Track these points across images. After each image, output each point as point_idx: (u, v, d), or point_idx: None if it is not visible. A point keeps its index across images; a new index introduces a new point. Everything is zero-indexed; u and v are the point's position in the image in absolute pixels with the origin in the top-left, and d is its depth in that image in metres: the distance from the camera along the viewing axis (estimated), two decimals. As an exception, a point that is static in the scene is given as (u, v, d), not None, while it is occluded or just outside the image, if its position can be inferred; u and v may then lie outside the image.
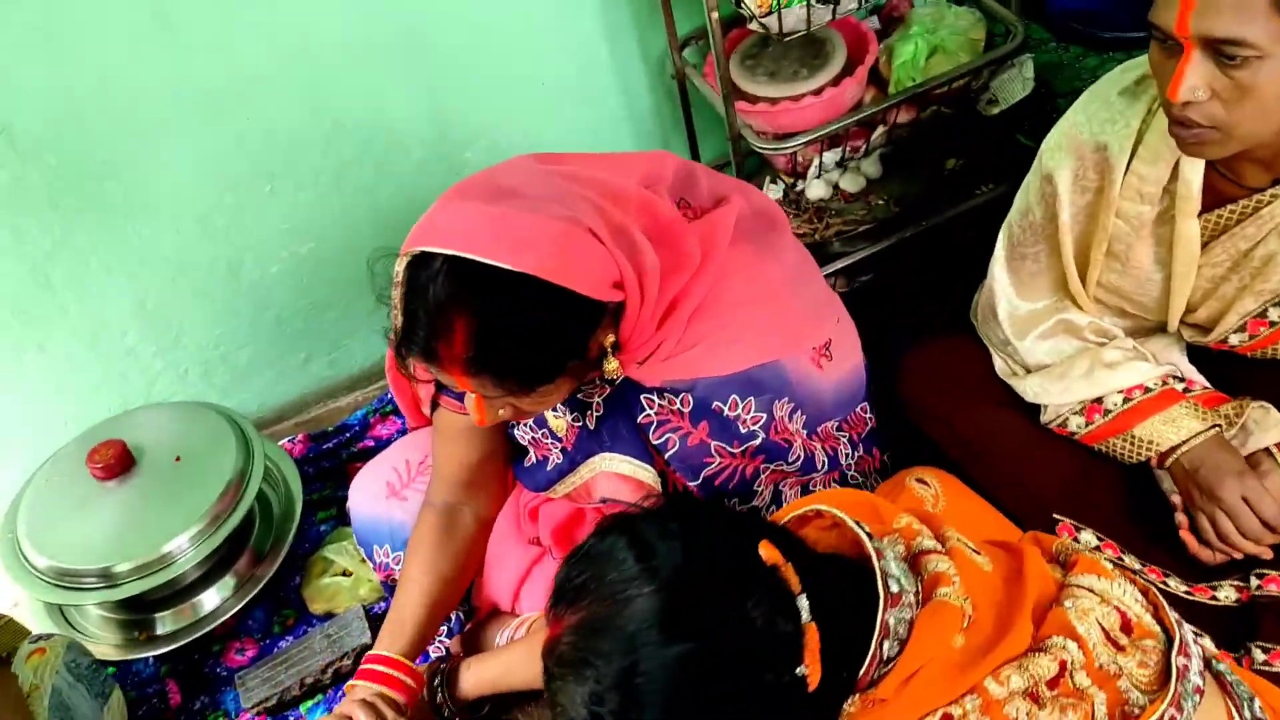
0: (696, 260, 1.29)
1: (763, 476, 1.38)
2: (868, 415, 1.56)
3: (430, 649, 1.60)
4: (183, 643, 1.74)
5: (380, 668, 1.41)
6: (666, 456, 1.34)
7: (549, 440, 1.46)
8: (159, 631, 1.76)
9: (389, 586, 1.61)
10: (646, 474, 1.35)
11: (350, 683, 1.43)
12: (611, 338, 1.26)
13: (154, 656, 1.75)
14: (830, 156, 1.81)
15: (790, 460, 1.38)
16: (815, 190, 1.97)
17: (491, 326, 1.13)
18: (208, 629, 1.75)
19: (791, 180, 1.90)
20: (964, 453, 1.48)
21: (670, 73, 1.89)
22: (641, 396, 1.33)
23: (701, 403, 1.32)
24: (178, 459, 1.76)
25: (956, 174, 1.96)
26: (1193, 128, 1.12)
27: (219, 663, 1.77)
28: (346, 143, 1.82)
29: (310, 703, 1.69)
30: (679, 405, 1.33)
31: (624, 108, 1.98)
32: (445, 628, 1.62)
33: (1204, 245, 1.30)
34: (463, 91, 1.84)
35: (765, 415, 1.34)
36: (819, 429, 1.46)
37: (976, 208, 1.89)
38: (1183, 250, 1.30)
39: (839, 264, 1.89)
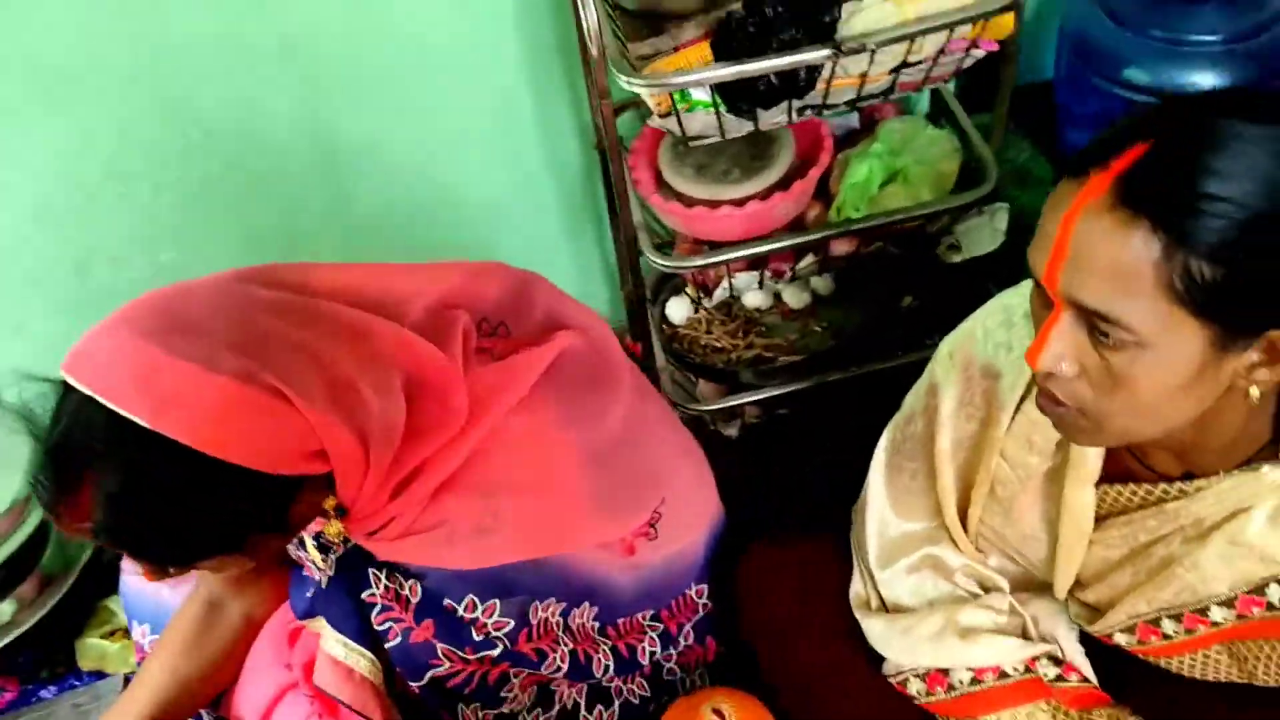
0: (461, 420, 1.04)
1: (514, 681, 1.13)
2: (701, 600, 1.31)
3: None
4: None
5: None
6: (387, 647, 1.10)
7: (310, 565, 1.24)
8: None
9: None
10: (363, 662, 1.10)
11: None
12: (332, 500, 1.03)
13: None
14: (746, 279, 1.54)
15: (548, 669, 1.13)
16: (752, 299, 1.71)
17: (125, 495, 0.90)
18: (-27, 661, 1.58)
19: (697, 295, 1.64)
20: (787, 684, 1.21)
21: (593, 141, 1.64)
22: (370, 570, 1.09)
23: (431, 596, 1.08)
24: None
25: (912, 314, 1.68)
26: (1058, 405, 0.84)
27: (-27, 704, 1.60)
28: (216, 152, 1.61)
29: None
30: (406, 592, 1.08)
31: (546, 165, 1.73)
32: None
33: (1099, 520, 1.01)
34: (354, 113, 1.61)
35: (514, 621, 1.09)
36: (617, 623, 1.22)
37: (923, 362, 1.61)
38: (1071, 521, 1.02)
39: (747, 397, 1.62)
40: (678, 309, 1.73)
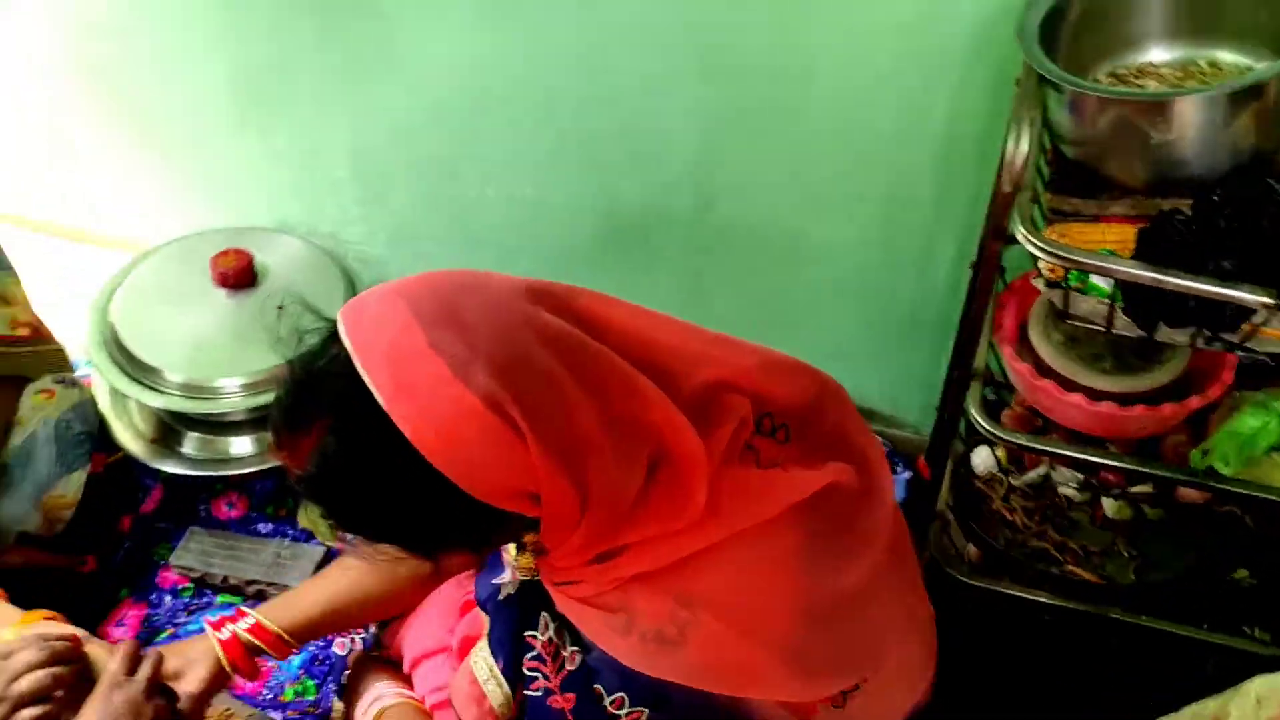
0: (692, 517, 0.96)
1: None
2: None
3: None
4: (194, 472, 1.71)
5: (241, 629, 1.26)
6: (525, 694, 1.05)
7: (507, 560, 1.22)
8: (182, 449, 1.74)
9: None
10: (498, 695, 1.06)
11: (207, 619, 1.31)
12: (533, 537, 0.98)
13: (159, 468, 1.73)
14: (1067, 473, 1.35)
15: None
16: (1066, 481, 1.51)
17: (337, 461, 0.89)
18: (224, 473, 1.71)
19: (1008, 467, 1.46)
20: None
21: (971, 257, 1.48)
22: (543, 615, 1.04)
23: (585, 673, 1.01)
24: (280, 307, 1.70)
25: (1242, 591, 1.42)
26: None
27: (207, 505, 1.74)
28: (612, 116, 1.60)
29: (223, 599, 1.62)
30: (565, 654, 1.03)
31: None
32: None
33: None
34: (739, 142, 1.55)
35: None
36: None
37: (1231, 653, 1.37)
38: None
39: (1011, 589, 1.44)
40: (983, 459, 1.56)
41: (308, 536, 1.68)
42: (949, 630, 1.25)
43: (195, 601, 1.63)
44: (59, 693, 1.17)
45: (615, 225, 1.70)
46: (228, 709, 1.45)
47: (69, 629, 1.25)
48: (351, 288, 1.75)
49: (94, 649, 1.24)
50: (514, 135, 1.66)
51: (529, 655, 1.04)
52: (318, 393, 0.89)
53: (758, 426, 1.06)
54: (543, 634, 1.04)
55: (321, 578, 1.35)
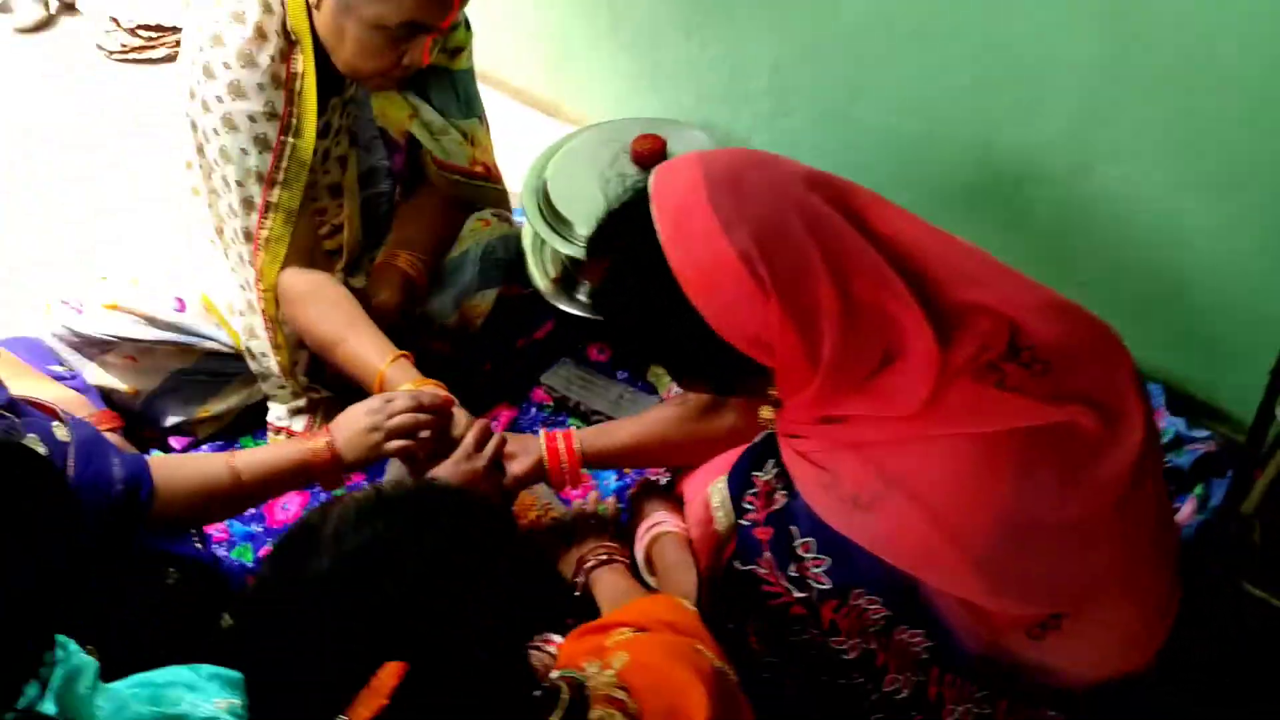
0: (910, 410, 1.07)
1: (805, 626, 1.19)
2: None
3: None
4: (582, 314, 1.97)
5: (561, 442, 1.54)
6: (739, 523, 1.21)
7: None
8: (577, 294, 2.00)
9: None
10: (724, 522, 1.23)
11: (544, 429, 1.60)
12: (774, 392, 1.13)
13: (556, 305, 2.02)
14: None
15: (836, 645, 1.17)
16: None
17: (618, 283, 1.09)
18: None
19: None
20: None
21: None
22: (769, 460, 1.19)
23: (786, 514, 1.15)
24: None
25: None
26: None
27: (584, 345, 2.04)
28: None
29: (572, 421, 1.92)
30: (775, 495, 1.17)
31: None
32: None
33: None
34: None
35: (831, 586, 1.13)
36: (945, 675, 1.20)
37: None
38: None
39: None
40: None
41: (651, 390, 1.94)
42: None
43: (553, 418, 1.94)
44: (424, 434, 1.51)
45: (988, 176, 1.75)
46: (548, 503, 1.75)
47: (446, 396, 1.59)
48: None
49: (459, 414, 1.57)
50: (915, 68, 1.75)
51: (749, 491, 1.20)
52: (617, 226, 1.11)
53: (1015, 355, 1.12)
54: (765, 474, 1.20)
55: (637, 419, 1.59)
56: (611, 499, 1.71)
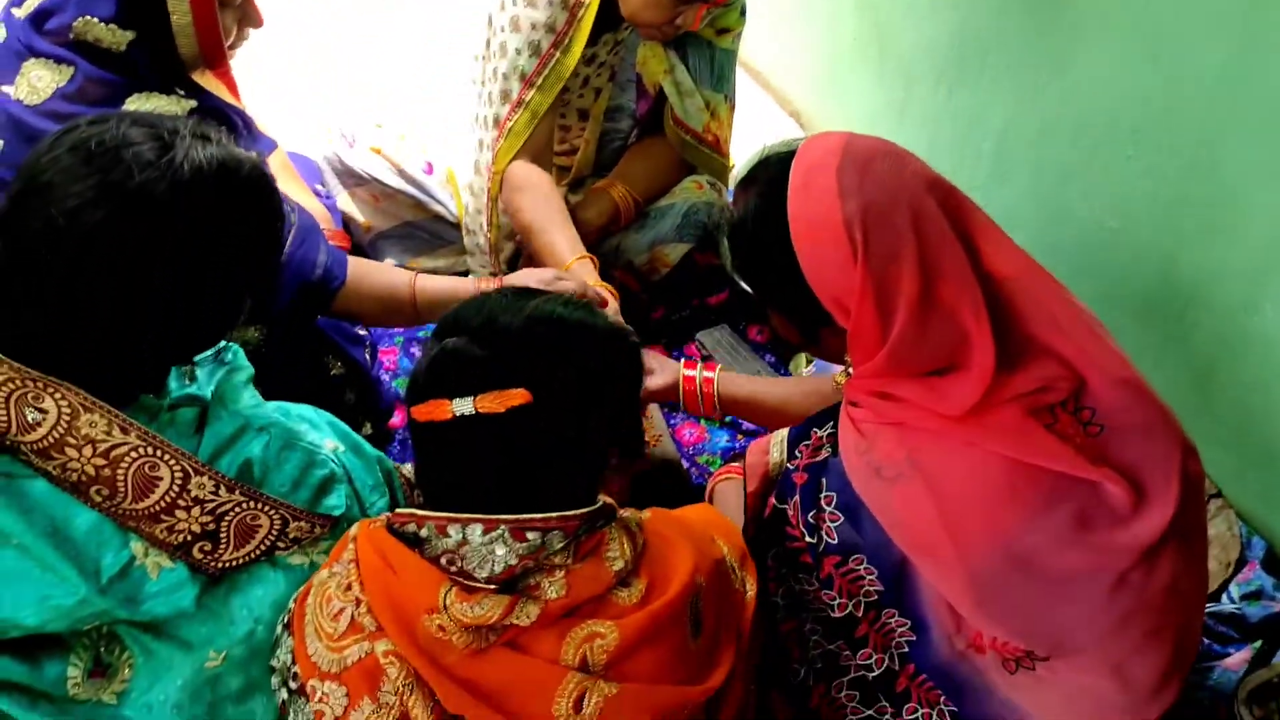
0: (949, 411, 1.19)
1: (813, 577, 1.32)
2: None
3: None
4: None
5: (700, 373, 1.73)
6: (786, 466, 1.36)
7: None
8: None
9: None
10: (775, 460, 1.38)
11: (688, 361, 1.79)
12: (848, 359, 1.28)
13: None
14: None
15: (827, 600, 1.29)
16: None
17: (749, 215, 1.28)
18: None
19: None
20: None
21: None
22: (830, 420, 1.33)
23: (821, 469, 1.29)
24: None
25: None
26: None
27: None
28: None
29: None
30: (821, 451, 1.31)
31: None
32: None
33: None
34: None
35: (838, 544, 1.26)
36: (920, 673, 1.31)
37: None
38: None
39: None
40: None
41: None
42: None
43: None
44: None
45: (1162, 290, 1.81)
46: (660, 434, 1.94)
47: (607, 298, 1.78)
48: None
49: (612, 315, 1.76)
50: (1126, 166, 1.82)
51: (804, 442, 1.35)
52: (765, 168, 1.28)
53: (1075, 408, 1.23)
54: (822, 431, 1.34)
55: (769, 380, 1.76)
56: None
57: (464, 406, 1.01)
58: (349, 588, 1.07)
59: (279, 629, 1.14)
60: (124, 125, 1.08)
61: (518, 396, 1.01)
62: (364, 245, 2.23)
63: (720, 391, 1.69)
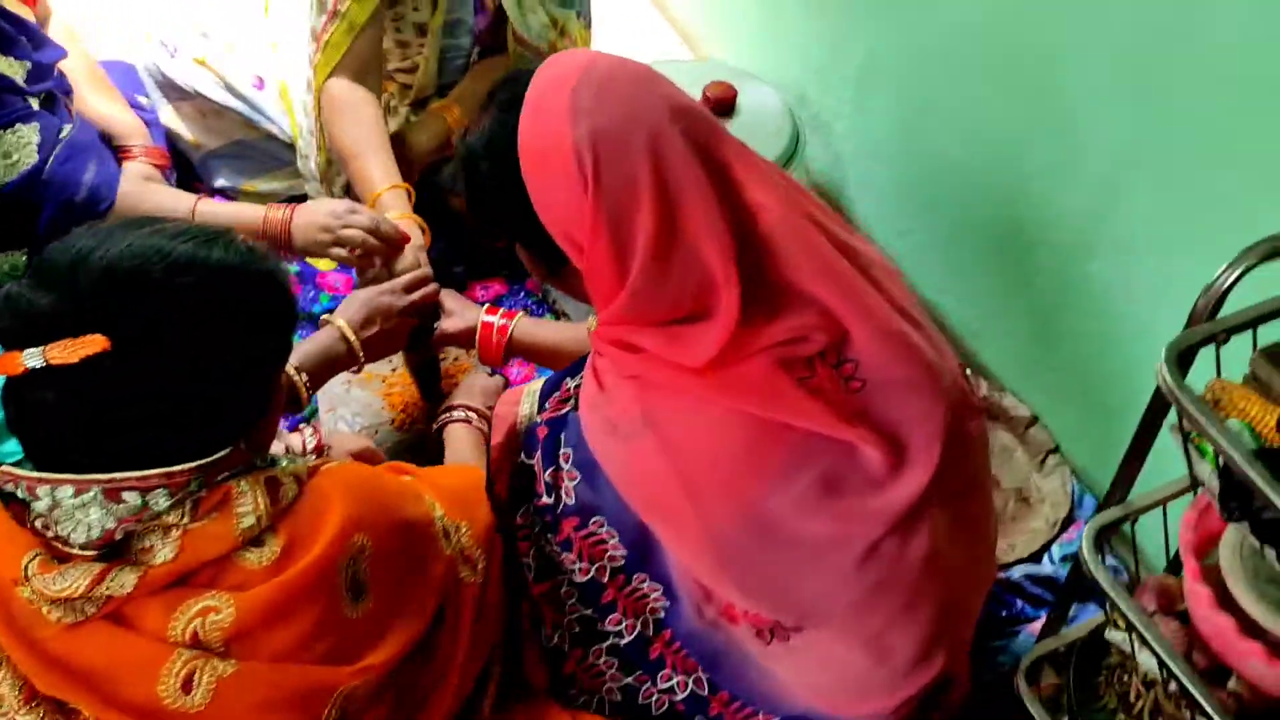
0: (690, 363, 1.08)
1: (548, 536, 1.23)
2: None
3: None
4: None
5: (498, 321, 1.61)
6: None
7: None
8: None
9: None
10: (524, 412, 1.28)
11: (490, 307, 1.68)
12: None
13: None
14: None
15: (568, 564, 1.20)
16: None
17: (481, 136, 1.16)
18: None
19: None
20: None
21: None
22: (581, 373, 1.23)
23: (563, 420, 1.19)
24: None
25: None
26: None
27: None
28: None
29: (549, 318, 1.99)
30: (567, 403, 1.21)
31: None
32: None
33: None
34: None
35: (576, 504, 1.18)
36: (674, 638, 1.22)
37: None
38: None
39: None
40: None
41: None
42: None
43: (534, 307, 2.01)
44: (370, 255, 1.60)
45: (1005, 229, 1.70)
46: (458, 359, 1.83)
47: (404, 234, 1.66)
48: (795, 141, 1.95)
49: (410, 252, 1.65)
50: (976, 99, 1.70)
51: (555, 395, 1.25)
52: (507, 85, 1.16)
53: (835, 361, 1.12)
54: (573, 382, 1.24)
55: (571, 326, 1.66)
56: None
57: (34, 360, 0.88)
58: None
59: None
60: None
61: (93, 344, 0.88)
62: (194, 164, 2.09)
63: (516, 337, 1.58)
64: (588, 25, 2.04)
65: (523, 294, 2.04)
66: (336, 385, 1.78)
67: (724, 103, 1.98)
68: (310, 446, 1.45)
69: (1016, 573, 1.67)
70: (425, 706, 1.09)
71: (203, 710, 0.91)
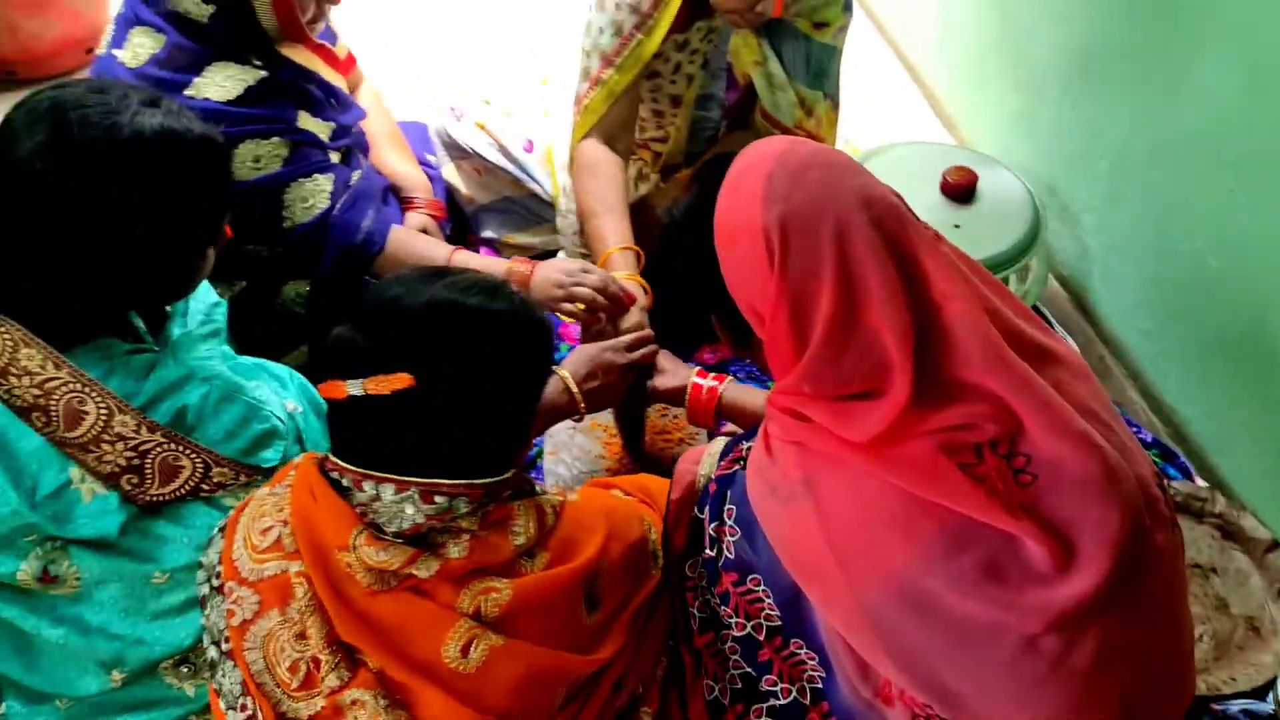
0: (853, 438, 1.11)
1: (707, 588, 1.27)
2: None
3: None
4: None
5: (708, 383, 1.69)
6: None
7: None
8: None
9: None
10: (702, 471, 1.33)
11: (700, 369, 1.76)
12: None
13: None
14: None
15: (720, 606, 1.25)
16: None
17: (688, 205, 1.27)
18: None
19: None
20: None
21: None
22: (760, 433, 1.27)
23: (731, 478, 1.25)
24: (956, 225, 1.94)
25: None
26: None
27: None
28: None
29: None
30: (739, 462, 1.26)
31: None
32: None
33: None
34: None
35: (734, 559, 1.21)
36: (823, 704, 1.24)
37: None
38: None
39: None
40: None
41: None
42: None
43: (757, 378, 2.07)
44: (599, 313, 1.73)
45: (1262, 345, 1.59)
46: (677, 417, 1.91)
47: (631, 294, 1.77)
48: (1035, 230, 1.91)
49: (635, 312, 1.75)
50: (1227, 203, 1.62)
51: (730, 455, 1.30)
52: (708, 169, 1.24)
53: (1007, 453, 1.11)
54: (747, 444, 1.29)
55: (761, 392, 1.70)
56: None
57: (354, 388, 1.08)
58: (281, 509, 1.16)
59: (214, 530, 1.23)
60: (79, 90, 1.18)
61: (400, 381, 1.07)
62: (467, 216, 2.31)
63: (725, 400, 1.64)
64: (835, 106, 2.10)
65: (747, 360, 2.10)
66: (563, 430, 1.91)
67: (962, 188, 1.98)
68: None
69: (1234, 706, 1.56)
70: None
71: (473, 673, 1.08)
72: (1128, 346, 1.96)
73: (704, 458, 1.36)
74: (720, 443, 1.37)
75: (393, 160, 2.12)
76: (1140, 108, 1.81)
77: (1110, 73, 1.88)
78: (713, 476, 1.30)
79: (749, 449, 1.27)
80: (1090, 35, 1.94)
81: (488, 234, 2.30)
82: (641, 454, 1.82)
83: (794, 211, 1.13)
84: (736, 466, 1.27)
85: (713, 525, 1.25)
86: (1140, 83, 1.80)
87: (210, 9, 1.66)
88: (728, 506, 1.24)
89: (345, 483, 1.12)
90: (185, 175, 1.22)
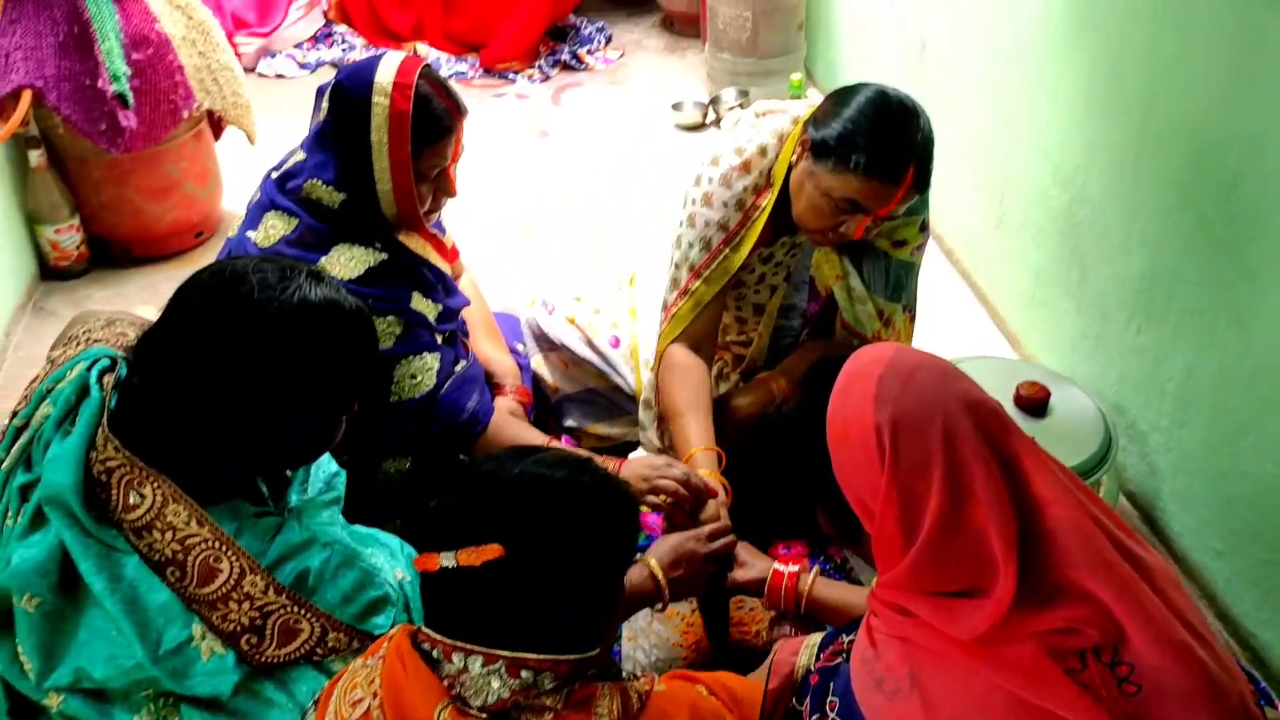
0: (959, 635, 1.15)
1: None
2: None
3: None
4: None
5: (791, 570, 1.74)
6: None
7: None
8: None
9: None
10: (801, 661, 1.36)
11: (781, 556, 1.81)
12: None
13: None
14: None
15: None
16: None
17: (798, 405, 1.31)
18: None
19: None
20: None
21: None
22: (861, 627, 1.31)
23: (835, 670, 1.27)
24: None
25: None
26: None
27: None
28: None
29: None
30: (840, 656, 1.29)
31: None
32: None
33: None
34: None
35: None
36: None
37: None
38: None
39: None
40: None
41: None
42: None
43: (837, 570, 2.10)
44: (669, 501, 1.79)
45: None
46: (752, 609, 1.93)
47: (713, 489, 1.84)
48: (1107, 445, 1.97)
49: (713, 505, 1.82)
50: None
51: (830, 647, 1.34)
52: (818, 371, 1.32)
53: (1110, 662, 1.15)
54: (848, 637, 1.32)
55: (860, 589, 1.73)
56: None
57: (448, 560, 1.13)
58: (372, 681, 1.19)
59: (309, 703, 1.27)
60: (253, 261, 1.31)
61: (491, 552, 1.11)
62: (551, 404, 2.41)
63: (807, 595, 1.69)
64: (912, 319, 2.20)
65: (822, 557, 2.14)
66: (642, 618, 1.95)
67: (1035, 401, 2.05)
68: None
69: None
70: None
71: None
72: (1200, 566, 1.98)
73: (803, 649, 1.39)
74: (818, 635, 1.41)
75: (486, 346, 2.25)
76: (1206, 336, 1.89)
77: (1174, 302, 1.98)
78: (813, 668, 1.33)
79: (850, 641, 1.31)
80: (1152, 266, 2.05)
81: (570, 422, 2.39)
82: (725, 643, 1.84)
83: (904, 412, 1.21)
84: (839, 659, 1.30)
85: (814, 717, 1.28)
86: (1205, 313, 1.90)
87: (341, 196, 1.83)
88: (830, 699, 1.27)
89: (436, 654, 1.15)
90: (343, 342, 1.33)
